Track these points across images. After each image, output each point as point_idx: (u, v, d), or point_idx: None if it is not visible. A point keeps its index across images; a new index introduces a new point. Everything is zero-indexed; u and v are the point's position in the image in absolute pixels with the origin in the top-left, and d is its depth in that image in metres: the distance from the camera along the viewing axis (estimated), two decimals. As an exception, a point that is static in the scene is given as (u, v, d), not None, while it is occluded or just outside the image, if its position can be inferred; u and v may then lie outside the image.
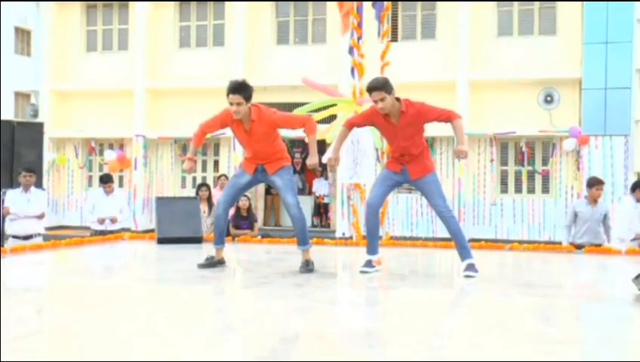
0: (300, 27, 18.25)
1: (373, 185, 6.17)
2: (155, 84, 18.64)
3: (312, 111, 11.61)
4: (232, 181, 6.37)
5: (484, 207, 16.78)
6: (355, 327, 4.10)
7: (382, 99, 5.73)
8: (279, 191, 6.22)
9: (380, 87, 5.72)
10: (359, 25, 11.40)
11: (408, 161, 5.93)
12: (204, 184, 11.30)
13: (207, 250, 6.67)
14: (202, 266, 6.22)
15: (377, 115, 5.90)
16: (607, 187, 13.98)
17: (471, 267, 5.86)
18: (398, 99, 5.84)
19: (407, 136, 5.84)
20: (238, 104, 5.87)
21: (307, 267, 6.04)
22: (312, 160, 6.11)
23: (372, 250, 6.09)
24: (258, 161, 6.19)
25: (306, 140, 6.36)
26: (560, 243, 9.84)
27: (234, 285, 6.02)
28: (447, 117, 5.85)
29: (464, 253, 5.93)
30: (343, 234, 15.77)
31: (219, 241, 6.33)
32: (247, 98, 5.88)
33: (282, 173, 6.19)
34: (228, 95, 5.88)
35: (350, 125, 6.16)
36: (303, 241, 6.16)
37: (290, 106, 15.32)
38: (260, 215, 17.36)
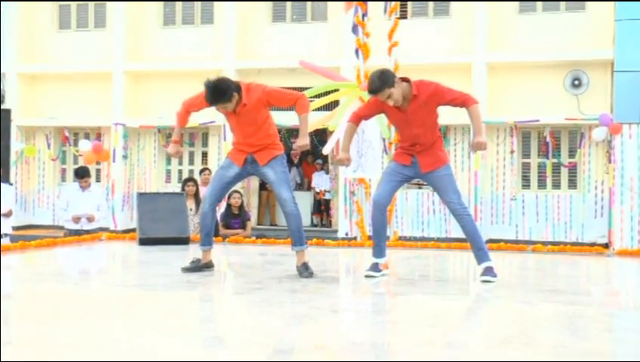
0: (298, 3, 18.21)
1: (380, 180, 6.17)
2: (136, 66, 18.60)
3: (312, 97, 11.61)
4: (218, 173, 6.36)
5: (503, 203, 16.77)
6: (360, 338, 4.10)
7: (389, 97, 5.73)
8: (272, 185, 6.21)
9: (378, 87, 5.70)
10: (364, 0, 11.38)
11: (419, 152, 5.92)
12: (191, 178, 11.33)
13: (195, 251, 6.68)
14: (187, 270, 6.22)
15: (384, 102, 5.89)
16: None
17: (489, 271, 5.86)
18: (406, 80, 5.82)
19: (419, 123, 5.83)
20: (225, 107, 5.92)
21: (307, 271, 6.04)
22: (302, 140, 6.09)
23: (379, 252, 6.09)
24: (247, 147, 6.15)
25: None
26: (591, 244, 9.82)
27: (224, 291, 6.03)
28: (462, 101, 5.84)
29: (481, 256, 5.93)
30: (346, 234, 15.77)
31: (206, 242, 6.33)
32: (231, 98, 5.87)
33: (275, 164, 6.17)
34: (211, 105, 5.91)
35: (357, 119, 6.13)
36: (298, 241, 6.16)
37: (287, 91, 15.31)
38: (253, 213, 17.36)
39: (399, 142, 6.18)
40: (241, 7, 17.92)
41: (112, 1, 18.66)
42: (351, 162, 6.17)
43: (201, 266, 6.28)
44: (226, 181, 6.27)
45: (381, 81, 5.68)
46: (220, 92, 5.83)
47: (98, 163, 18.49)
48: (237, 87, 5.91)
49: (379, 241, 6.10)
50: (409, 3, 17.21)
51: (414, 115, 5.82)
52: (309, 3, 18.12)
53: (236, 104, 5.94)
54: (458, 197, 5.94)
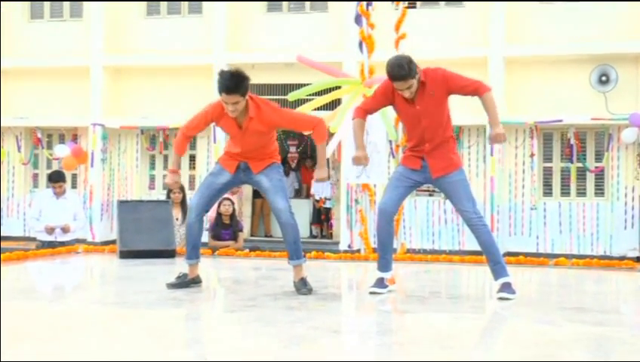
0: (296, -10, 18.24)
1: (387, 186, 6.19)
2: (116, 60, 18.62)
3: (311, 95, 11.66)
4: (207, 180, 6.40)
5: (522, 212, 16.76)
6: (364, 361, 4.11)
7: (409, 87, 5.78)
8: (266, 193, 6.26)
9: (405, 75, 5.73)
10: (369, -12, 11.41)
11: (429, 153, 5.94)
12: (176, 184, 11.31)
13: (181, 266, 6.69)
14: (172, 286, 6.25)
15: (394, 91, 5.93)
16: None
17: (507, 287, 5.87)
18: None
19: (427, 114, 5.87)
20: (235, 103, 5.91)
21: (305, 287, 6.06)
22: (321, 173, 6.23)
23: (384, 266, 6.11)
24: (243, 158, 6.22)
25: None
26: (621, 258, 9.85)
27: (214, 309, 6.03)
28: (474, 88, 5.89)
29: (498, 270, 5.95)
30: (349, 246, 15.77)
31: (192, 255, 6.37)
32: (245, 94, 5.92)
33: (270, 171, 6.23)
34: (221, 94, 5.91)
35: (364, 113, 6.16)
36: (296, 254, 6.20)
37: (283, 88, 15.38)
38: (246, 223, 17.37)
39: (407, 142, 6.20)
40: (232, -5, 17.95)
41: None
42: (369, 161, 6.19)
43: (187, 282, 6.30)
44: (215, 188, 6.32)
45: (409, 71, 5.73)
46: (237, 82, 5.83)
47: (75, 167, 18.48)
48: (247, 91, 5.95)
49: (384, 254, 6.12)
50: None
51: (422, 105, 5.86)
52: (308, -9, 18.15)
53: (242, 113, 5.98)
54: (473, 206, 5.96)
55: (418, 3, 17.12)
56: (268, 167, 6.23)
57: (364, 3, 11.35)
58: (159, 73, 18.11)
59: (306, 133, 6.31)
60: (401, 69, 5.74)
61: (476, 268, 7.83)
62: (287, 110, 6.24)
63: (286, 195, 6.26)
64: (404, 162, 6.12)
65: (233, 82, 5.84)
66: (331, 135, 11.61)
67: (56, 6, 19.40)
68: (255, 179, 6.26)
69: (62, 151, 17.83)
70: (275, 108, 6.13)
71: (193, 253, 6.37)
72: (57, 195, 10.46)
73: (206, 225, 9.40)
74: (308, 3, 18.11)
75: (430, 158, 5.96)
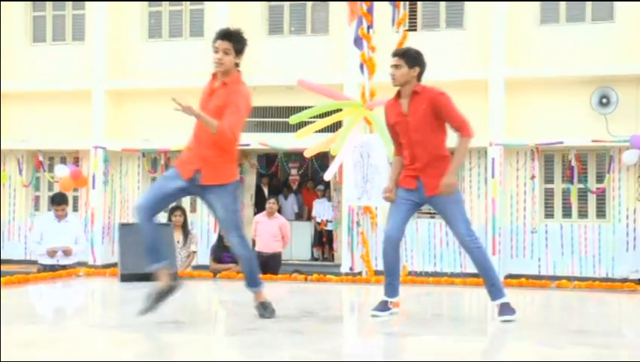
0: (297, 13, 18.33)
1: (389, 211, 6.19)
2: (118, 83, 18.69)
3: (313, 118, 11.67)
4: (159, 182, 6.07)
5: (524, 235, 16.75)
6: (366, 385, 4.10)
7: (396, 67, 5.96)
8: (219, 223, 6.11)
9: (400, 53, 6.01)
10: (369, 10, 11.44)
11: (423, 171, 5.93)
12: (178, 207, 11.31)
13: (185, 291, 6.67)
14: (146, 310, 5.78)
15: (388, 108, 6.09)
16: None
17: (506, 308, 5.86)
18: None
19: (418, 126, 5.89)
20: (226, 52, 5.85)
21: (266, 309, 5.94)
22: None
23: (391, 291, 6.10)
24: (200, 148, 5.81)
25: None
26: (623, 280, 9.83)
27: (215, 332, 6.02)
28: (460, 125, 5.95)
29: (494, 292, 5.94)
30: (350, 269, 15.73)
31: (157, 258, 5.91)
32: (238, 51, 5.92)
33: (223, 193, 5.83)
34: (215, 42, 5.89)
35: (395, 150, 6.27)
36: (252, 282, 6.06)
37: (285, 111, 15.41)
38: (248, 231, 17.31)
39: (403, 159, 6.18)
40: (234, 17, 17.99)
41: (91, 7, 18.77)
42: (394, 195, 6.17)
43: (159, 295, 5.80)
44: (165, 192, 5.88)
45: (408, 54, 6.01)
46: (234, 31, 5.93)
47: (76, 189, 18.50)
48: (242, 52, 5.98)
49: (392, 280, 6.11)
50: (419, 14, 17.32)
51: (413, 116, 5.91)
52: (308, 14, 18.23)
53: (224, 75, 5.89)
54: (466, 227, 5.96)
55: (419, 25, 17.20)
56: (222, 186, 5.80)
57: (365, 25, 11.38)
58: (161, 96, 18.12)
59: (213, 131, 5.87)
60: (402, 49, 6.17)
61: (478, 290, 7.80)
62: (238, 102, 5.80)
63: (238, 225, 5.94)
64: (401, 183, 6.11)
65: (229, 32, 5.93)
66: (332, 157, 11.63)
67: (59, 29, 19.49)
68: (207, 198, 5.87)
69: (62, 171, 17.85)
70: (239, 90, 5.87)
71: (154, 255, 5.88)
72: (59, 218, 10.44)
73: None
74: (309, 26, 18.20)
75: (424, 177, 5.96)
